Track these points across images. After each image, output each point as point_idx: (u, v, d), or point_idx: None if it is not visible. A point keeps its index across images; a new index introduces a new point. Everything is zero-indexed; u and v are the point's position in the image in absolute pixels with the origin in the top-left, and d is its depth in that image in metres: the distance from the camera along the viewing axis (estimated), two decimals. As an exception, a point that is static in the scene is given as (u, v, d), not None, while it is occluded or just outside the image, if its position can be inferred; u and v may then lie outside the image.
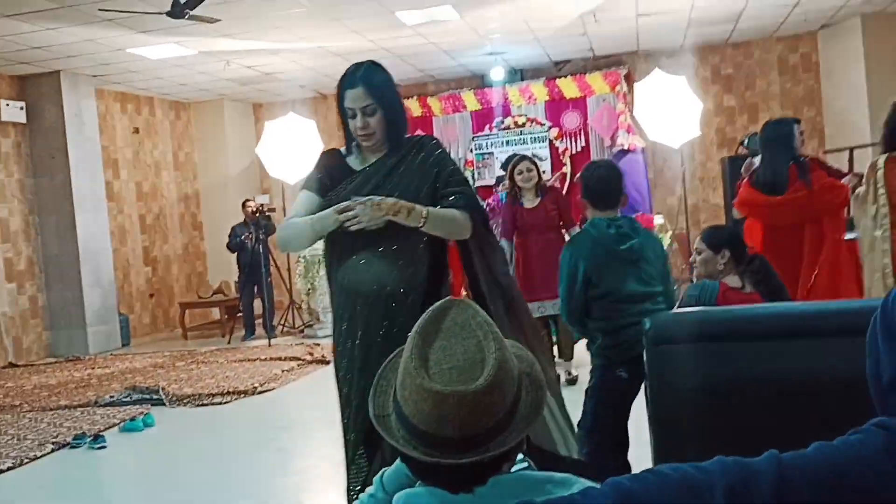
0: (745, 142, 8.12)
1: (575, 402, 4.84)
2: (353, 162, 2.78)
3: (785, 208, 4.42)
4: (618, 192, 3.35)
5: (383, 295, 2.62)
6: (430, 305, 1.20)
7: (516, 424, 1.13)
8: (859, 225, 4.19)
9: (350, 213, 2.52)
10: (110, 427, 5.70)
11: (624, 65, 10.75)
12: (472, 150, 11.42)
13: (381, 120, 2.66)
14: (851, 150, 9.54)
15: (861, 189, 4.14)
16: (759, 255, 3.39)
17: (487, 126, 11.33)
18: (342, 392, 2.72)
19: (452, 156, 12.18)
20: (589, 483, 1.13)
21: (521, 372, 1.19)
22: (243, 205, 10.01)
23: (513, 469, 1.19)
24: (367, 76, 2.67)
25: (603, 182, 3.33)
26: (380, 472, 1.45)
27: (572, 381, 5.74)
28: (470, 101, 11.30)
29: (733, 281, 3.31)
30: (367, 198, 2.54)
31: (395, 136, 2.72)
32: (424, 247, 2.67)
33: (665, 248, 3.46)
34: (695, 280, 3.60)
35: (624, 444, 3.29)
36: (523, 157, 6.14)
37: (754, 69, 10.76)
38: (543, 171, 10.48)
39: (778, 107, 10.69)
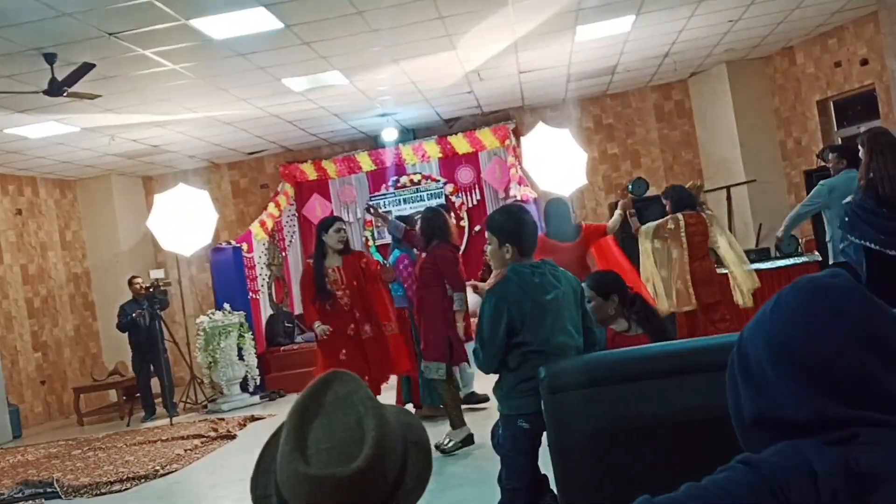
0: (630, 187, 8.46)
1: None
2: None
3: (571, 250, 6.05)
4: (535, 235, 3.29)
5: None
6: None
7: (400, 500, 1.09)
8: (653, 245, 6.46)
9: None
10: (1, 528, 5.36)
11: (511, 119, 11.10)
12: (368, 211, 11.47)
13: None
14: (728, 188, 10.11)
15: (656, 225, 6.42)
16: (637, 294, 3.52)
17: (384, 185, 11.45)
18: None
19: (351, 217, 12.32)
20: None
21: (409, 441, 1.15)
22: (130, 282, 9.75)
23: None
24: None
25: (527, 226, 3.23)
26: None
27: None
28: (365, 162, 11.41)
29: (620, 325, 3.42)
30: None
31: None
32: None
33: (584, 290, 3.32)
34: None
35: (541, 481, 3.31)
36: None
37: (633, 118, 11.29)
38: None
39: (658, 151, 11.23)
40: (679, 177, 11.11)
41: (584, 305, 3.24)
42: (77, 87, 6.37)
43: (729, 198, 10.06)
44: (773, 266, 7.79)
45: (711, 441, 2.19)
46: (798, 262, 7.79)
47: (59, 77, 6.21)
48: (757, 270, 7.71)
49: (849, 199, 4.78)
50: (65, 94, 6.35)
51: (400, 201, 11.30)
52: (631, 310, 3.50)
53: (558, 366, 2.69)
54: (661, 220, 6.42)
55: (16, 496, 6.17)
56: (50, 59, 6.10)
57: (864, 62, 9.03)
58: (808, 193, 8.72)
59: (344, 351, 5.79)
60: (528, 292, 3.08)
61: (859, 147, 4.73)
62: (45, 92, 6.29)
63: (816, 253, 7.96)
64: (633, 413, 2.49)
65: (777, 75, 10.37)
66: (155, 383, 9.56)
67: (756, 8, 7.85)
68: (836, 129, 9.93)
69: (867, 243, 4.43)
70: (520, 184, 10.12)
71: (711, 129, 10.85)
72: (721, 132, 10.65)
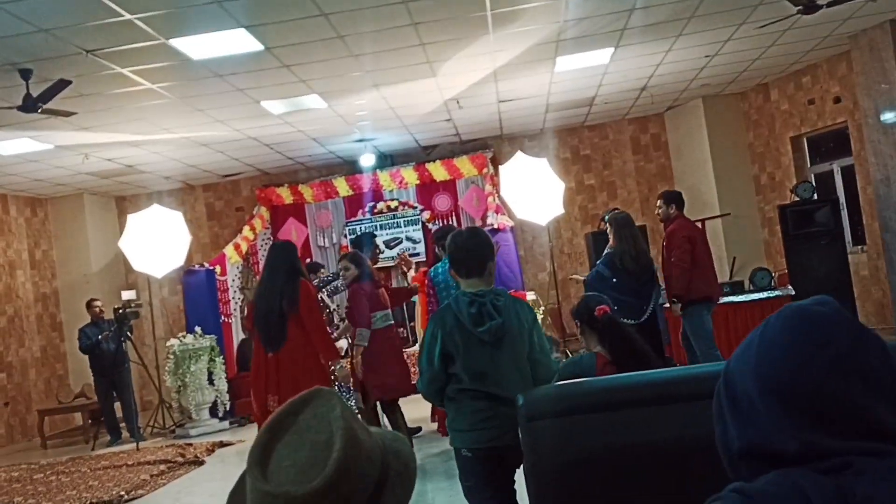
0: (606, 218, 8.49)
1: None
2: None
3: None
4: (478, 258, 3.11)
5: None
6: None
7: None
8: None
9: None
10: (-44, 554, 5.19)
11: (489, 148, 11.15)
12: (345, 236, 11.43)
13: None
14: (703, 221, 10.18)
15: None
16: (605, 316, 3.44)
17: (360, 211, 11.41)
18: None
19: (326, 242, 12.30)
20: None
21: (392, 469, 1.09)
22: (88, 305, 9.53)
23: None
24: None
25: (461, 250, 3.14)
26: None
27: None
28: (342, 187, 11.37)
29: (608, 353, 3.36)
30: None
31: None
32: None
33: (537, 318, 3.21)
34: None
35: None
36: None
37: (610, 149, 11.38)
38: (417, 253, 10.65)
39: (634, 184, 11.31)
40: (655, 209, 11.18)
41: (533, 335, 3.08)
42: (52, 104, 6.29)
43: (703, 229, 10.13)
44: (746, 299, 7.85)
45: (693, 471, 2.17)
46: (771, 295, 7.85)
47: (35, 93, 6.14)
48: (730, 304, 7.78)
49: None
50: (39, 111, 6.27)
51: (376, 227, 11.26)
52: (602, 334, 3.46)
53: (536, 393, 2.65)
54: None
55: (-27, 521, 5.99)
56: (25, 74, 6.03)
57: (837, 100, 9.19)
58: (781, 228, 8.84)
59: None
60: (461, 321, 3.00)
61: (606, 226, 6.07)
62: (20, 108, 6.20)
63: (790, 287, 8.01)
64: (611, 442, 2.46)
65: (752, 111, 10.52)
66: (118, 407, 9.37)
67: (732, 44, 7.97)
68: (809, 164, 10.08)
69: None
70: (497, 212, 10.13)
71: (687, 162, 10.96)
72: (696, 166, 10.76)
